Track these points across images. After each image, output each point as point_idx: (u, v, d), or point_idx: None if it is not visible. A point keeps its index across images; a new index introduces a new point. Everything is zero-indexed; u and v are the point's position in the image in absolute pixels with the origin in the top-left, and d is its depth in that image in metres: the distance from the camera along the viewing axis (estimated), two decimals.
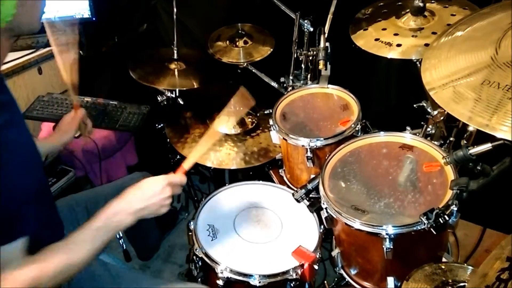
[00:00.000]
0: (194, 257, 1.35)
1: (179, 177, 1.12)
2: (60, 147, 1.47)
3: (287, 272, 1.25)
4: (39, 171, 1.05)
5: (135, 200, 1.05)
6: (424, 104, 1.42)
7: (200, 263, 1.35)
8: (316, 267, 1.30)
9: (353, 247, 1.27)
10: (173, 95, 1.99)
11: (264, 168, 1.79)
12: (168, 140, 1.91)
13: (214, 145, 1.82)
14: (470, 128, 1.33)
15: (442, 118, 1.40)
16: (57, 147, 1.47)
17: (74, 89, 1.44)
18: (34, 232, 0.93)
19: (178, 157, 2.06)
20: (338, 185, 1.26)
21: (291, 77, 1.78)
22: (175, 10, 1.85)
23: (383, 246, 1.10)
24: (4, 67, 1.48)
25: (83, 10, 2.07)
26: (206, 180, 2.38)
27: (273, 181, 1.67)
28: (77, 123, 1.48)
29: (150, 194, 1.06)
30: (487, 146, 1.03)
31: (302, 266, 1.27)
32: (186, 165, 1.17)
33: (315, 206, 1.35)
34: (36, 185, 0.97)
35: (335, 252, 1.34)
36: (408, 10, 1.49)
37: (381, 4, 1.63)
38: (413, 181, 1.22)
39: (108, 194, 1.49)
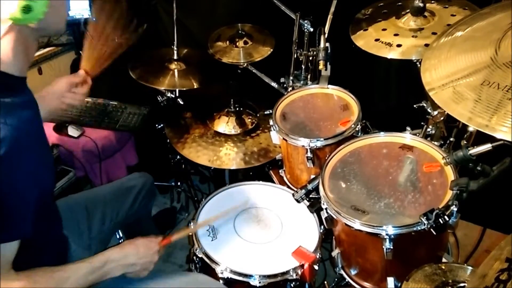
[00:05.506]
0: (194, 257, 1.35)
1: (162, 249, 1.21)
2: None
3: (287, 272, 1.25)
4: (51, 170, 1.06)
5: (130, 255, 1.12)
6: (424, 105, 1.42)
7: (200, 264, 1.35)
8: (316, 267, 1.30)
9: (353, 247, 1.27)
10: (173, 95, 1.98)
11: (264, 169, 1.79)
12: (168, 140, 1.91)
13: (214, 145, 1.83)
14: (470, 129, 1.33)
15: (442, 118, 1.40)
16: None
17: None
18: (33, 230, 0.94)
19: (178, 157, 2.06)
20: (338, 186, 1.26)
21: (291, 78, 1.78)
22: (175, 10, 1.85)
23: (383, 247, 1.10)
24: None
25: (83, 10, 2.06)
26: (206, 180, 2.38)
27: (273, 181, 1.67)
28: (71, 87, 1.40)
29: (143, 254, 1.14)
30: (487, 147, 1.03)
31: (302, 266, 1.27)
32: (174, 237, 1.26)
33: (315, 206, 1.35)
34: (44, 185, 0.98)
35: (335, 253, 1.34)
36: (408, 11, 1.49)
37: (381, 4, 1.62)
38: (413, 182, 1.22)
39: (107, 194, 1.49)
